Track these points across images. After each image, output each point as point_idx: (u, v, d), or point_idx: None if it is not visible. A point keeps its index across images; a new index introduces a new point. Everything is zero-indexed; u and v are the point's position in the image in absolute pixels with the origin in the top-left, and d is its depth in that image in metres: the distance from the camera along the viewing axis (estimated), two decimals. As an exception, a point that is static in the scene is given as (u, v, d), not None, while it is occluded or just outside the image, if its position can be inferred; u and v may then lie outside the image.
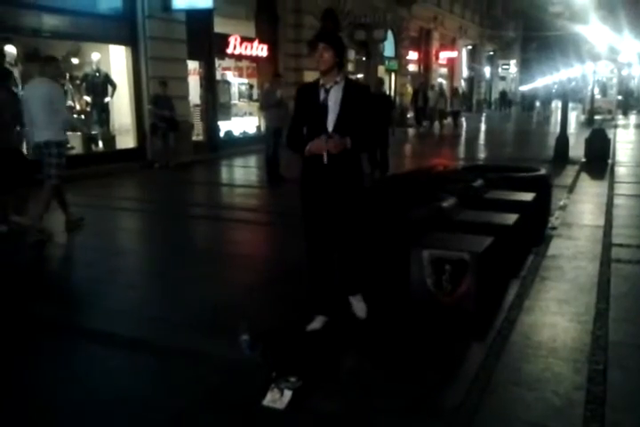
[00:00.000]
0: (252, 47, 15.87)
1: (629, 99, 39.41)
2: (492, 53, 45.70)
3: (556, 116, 27.31)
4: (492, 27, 42.32)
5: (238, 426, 2.92)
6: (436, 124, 23.79)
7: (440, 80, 33.11)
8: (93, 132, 12.13)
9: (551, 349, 3.62)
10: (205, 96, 14.72)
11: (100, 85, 12.04)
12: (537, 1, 30.98)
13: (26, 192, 6.91)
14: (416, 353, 3.65)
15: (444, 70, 34.98)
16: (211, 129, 14.92)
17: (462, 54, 37.75)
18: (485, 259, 3.97)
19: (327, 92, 3.72)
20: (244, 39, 15.49)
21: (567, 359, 3.50)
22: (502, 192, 5.79)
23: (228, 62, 16.00)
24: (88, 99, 12.15)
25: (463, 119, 29.06)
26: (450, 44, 34.58)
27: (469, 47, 39.68)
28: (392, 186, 6.03)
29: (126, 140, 12.78)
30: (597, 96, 30.91)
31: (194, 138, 14.26)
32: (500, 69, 49.21)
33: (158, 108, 11.96)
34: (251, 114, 16.72)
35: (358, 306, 4.11)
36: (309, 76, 17.48)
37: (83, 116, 12.10)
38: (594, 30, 25.69)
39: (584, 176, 11.01)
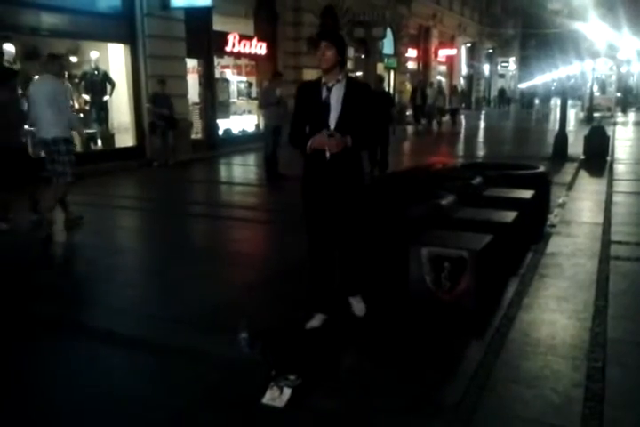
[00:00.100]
0: (251, 45, 15.86)
1: (628, 96, 39.35)
2: (491, 51, 45.67)
3: (555, 114, 27.29)
4: (492, 24, 42.30)
5: (238, 424, 2.92)
6: (435, 121, 23.78)
7: (439, 78, 33.09)
8: (92, 131, 12.11)
9: (550, 346, 3.63)
10: (204, 94, 14.72)
11: (98, 84, 12.03)
12: (536, -2, 30.99)
13: (34, 190, 6.98)
14: (415, 351, 3.65)
15: (443, 68, 34.96)
16: (210, 127, 14.91)
17: (461, 52, 37.71)
18: (484, 256, 3.97)
19: (329, 90, 3.73)
20: (243, 37, 15.47)
21: (566, 357, 3.50)
22: (501, 190, 5.80)
23: (226, 60, 15.99)
24: (87, 97, 12.14)
25: (462, 117, 29.06)
26: (449, 41, 34.55)
27: (468, 45, 39.64)
28: (391, 184, 6.03)
29: (125, 139, 12.77)
30: (596, 93, 30.84)
31: (193, 136, 14.25)
32: (499, 67, 49.16)
33: (157, 106, 11.95)
34: (250, 112, 16.72)
35: (358, 306, 4.12)
36: (308, 74, 17.47)
37: (82, 115, 12.09)
38: (593, 28, 25.68)
39: (583, 174, 11.01)
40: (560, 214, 7.29)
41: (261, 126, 13.44)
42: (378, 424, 2.90)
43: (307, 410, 2.97)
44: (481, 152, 16.61)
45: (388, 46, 25.10)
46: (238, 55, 15.92)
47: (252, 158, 14.07)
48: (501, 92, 44.04)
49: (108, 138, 12.55)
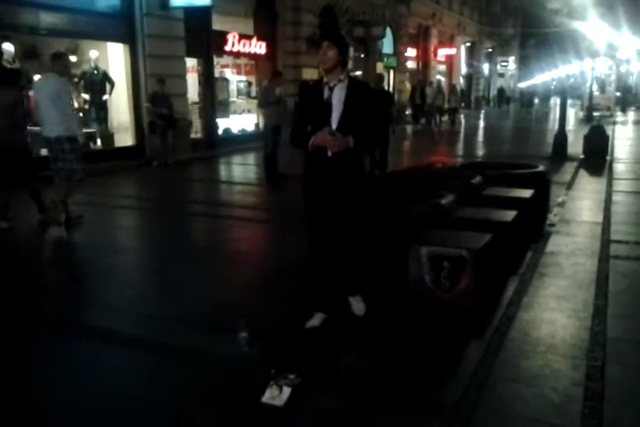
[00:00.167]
0: (250, 45, 15.86)
1: (628, 95, 39.36)
2: (490, 50, 45.66)
3: (555, 113, 27.29)
4: (491, 23, 42.29)
5: (237, 424, 2.92)
6: (434, 121, 23.77)
7: (439, 77, 33.09)
8: (92, 130, 12.11)
9: (550, 345, 3.63)
10: (204, 94, 14.71)
11: (98, 83, 12.02)
12: (535, -2, 30.99)
13: (36, 190, 7.04)
14: (415, 350, 3.65)
15: (442, 67, 34.96)
16: (209, 126, 14.90)
17: (461, 51, 37.71)
18: (484, 256, 3.97)
19: (331, 90, 3.74)
20: (242, 37, 15.47)
21: (565, 356, 3.50)
22: (501, 189, 5.80)
23: (226, 60, 15.99)
24: (86, 97, 12.13)
25: (462, 116, 29.06)
26: (448, 40, 34.55)
27: (468, 44, 39.63)
28: (391, 183, 6.02)
29: (125, 138, 12.77)
30: (596, 93, 30.84)
31: (192, 135, 14.24)
32: (498, 66, 49.16)
33: (156, 105, 11.94)
34: (249, 111, 16.72)
35: (357, 306, 4.12)
36: (308, 74, 17.50)
37: (81, 114, 12.08)
38: (592, 27, 25.68)
39: (582, 173, 11.01)
40: (560, 213, 7.29)
41: (261, 126, 13.44)
42: (377, 423, 2.90)
43: (306, 409, 2.97)
44: (480, 151, 16.61)
45: (387, 46, 25.11)
46: (238, 54, 15.91)
47: (251, 158, 14.07)
48: (500, 91, 44.02)
49: (108, 137, 12.55)
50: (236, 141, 15.51)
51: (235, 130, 16.15)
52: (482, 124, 28.66)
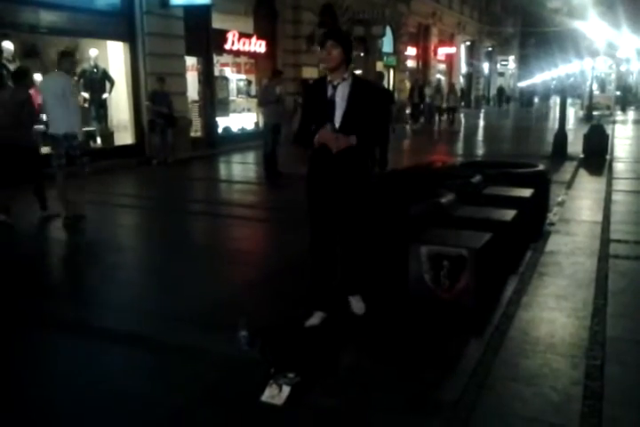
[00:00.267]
0: (250, 43, 15.84)
1: (628, 95, 39.35)
2: (490, 49, 45.64)
3: (555, 112, 27.29)
4: (491, 23, 42.26)
5: (237, 422, 2.92)
6: (433, 120, 23.80)
7: (438, 76, 33.08)
8: (91, 129, 12.11)
9: (549, 344, 3.63)
10: (203, 92, 14.70)
11: (97, 82, 12.01)
12: (535, -3, 30.97)
13: (40, 188, 7.13)
14: (414, 349, 3.65)
15: (442, 66, 34.94)
16: (209, 125, 14.89)
17: (461, 50, 37.69)
18: (483, 255, 3.97)
19: (335, 88, 3.75)
20: (242, 35, 15.46)
21: (565, 355, 3.50)
22: (500, 188, 5.79)
23: (226, 58, 15.97)
24: (86, 95, 12.12)
25: (461, 115, 29.06)
26: (448, 39, 34.53)
27: (468, 43, 39.62)
28: (391, 182, 6.02)
29: (124, 137, 12.76)
30: (596, 92, 30.86)
31: (192, 134, 14.24)
32: (498, 65, 49.14)
33: (156, 104, 11.93)
34: (249, 110, 16.72)
35: (357, 305, 4.12)
36: (308, 73, 17.49)
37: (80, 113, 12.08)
38: (592, 26, 25.66)
39: (582, 172, 11.01)
40: (559, 213, 7.30)
41: (261, 124, 13.43)
42: (377, 422, 2.90)
43: (306, 408, 2.97)
44: (480, 150, 16.62)
45: (387, 44, 25.09)
46: (237, 53, 15.90)
47: (251, 156, 14.06)
48: (500, 90, 43.97)
49: (108, 136, 12.54)
50: (236, 140, 15.50)
51: (234, 129, 16.14)
52: (481, 123, 28.65)
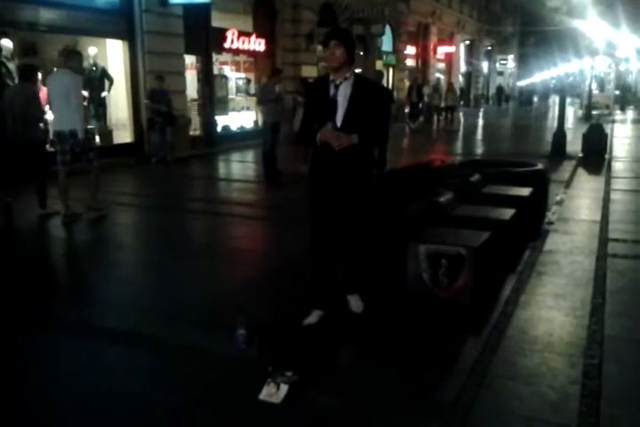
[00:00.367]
0: (249, 42, 15.83)
1: (627, 94, 39.38)
2: (489, 48, 45.62)
3: (554, 112, 27.30)
4: (490, 22, 42.23)
5: (237, 422, 2.92)
6: (432, 119, 23.78)
7: (438, 75, 33.06)
8: (90, 127, 12.08)
9: (547, 343, 3.64)
10: (203, 91, 14.69)
11: (96, 80, 12.00)
12: (535, -4, 30.97)
13: (42, 185, 7.23)
14: (412, 347, 3.66)
15: (441, 65, 34.92)
16: (208, 124, 14.88)
17: (460, 49, 37.67)
18: (482, 254, 3.97)
19: (337, 88, 3.77)
20: (241, 34, 15.44)
21: (563, 354, 3.51)
22: (499, 187, 5.80)
23: (225, 57, 15.95)
24: (85, 93, 12.09)
25: (461, 114, 29.05)
26: (448, 38, 34.51)
27: (467, 42, 39.60)
28: (390, 181, 6.02)
29: (123, 135, 12.75)
30: (595, 91, 30.88)
31: (191, 133, 14.22)
32: (497, 64, 49.13)
33: (155, 102, 11.92)
34: (248, 108, 16.70)
35: (355, 304, 4.12)
36: (307, 71, 17.47)
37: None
38: (592, 25, 25.66)
39: (581, 171, 11.02)
40: (558, 212, 7.30)
41: (260, 123, 13.42)
42: (375, 421, 2.90)
43: (304, 406, 2.98)
44: (479, 149, 16.62)
45: (386, 43, 25.06)
46: (237, 52, 15.89)
47: (250, 155, 14.05)
48: (499, 89, 43.94)
49: (106, 134, 12.52)
50: (235, 139, 15.49)
51: (233, 127, 16.12)
52: (481, 122, 28.66)
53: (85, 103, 12.10)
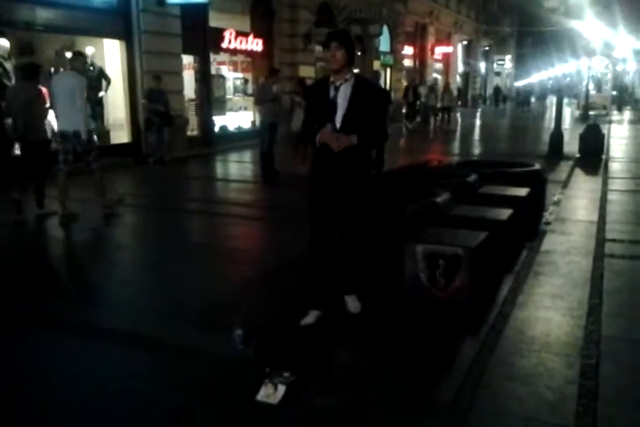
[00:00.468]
0: (247, 42, 15.82)
1: (624, 94, 39.45)
2: (487, 49, 45.67)
3: (551, 112, 27.31)
4: (488, 22, 42.29)
5: (235, 422, 2.92)
6: (428, 119, 23.79)
7: (435, 75, 33.08)
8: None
9: (544, 343, 3.64)
10: (200, 91, 14.67)
11: (94, 80, 11.94)
12: (532, -4, 31.01)
13: (41, 185, 7.27)
14: (410, 348, 3.66)
15: (439, 65, 34.96)
16: (205, 124, 14.87)
17: (458, 49, 37.73)
18: (479, 254, 3.98)
19: (337, 89, 3.80)
20: (239, 33, 15.43)
21: (560, 354, 3.51)
22: (496, 187, 5.80)
23: (222, 57, 15.94)
24: (83, 93, 12.08)
25: (458, 115, 29.06)
26: (445, 39, 34.55)
27: (465, 42, 39.65)
28: (387, 181, 6.02)
29: (120, 135, 12.72)
30: (592, 92, 30.91)
31: (188, 133, 14.20)
32: (495, 65, 49.19)
33: (152, 102, 11.90)
34: (246, 109, 16.69)
35: (353, 304, 4.13)
36: (304, 71, 17.47)
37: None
38: (589, 26, 25.70)
39: (578, 171, 11.04)
40: (555, 212, 7.31)
41: (257, 123, 13.42)
42: (372, 421, 2.90)
43: (301, 407, 2.97)
44: (476, 150, 16.63)
45: (384, 43, 25.05)
46: (234, 52, 15.87)
47: (247, 155, 14.04)
48: (496, 89, 43.98)
49: (104, 134, 12.45)
50: (233, 139, 15.48)
51: (231, 127, 16.11)
52: (478, 122, 28.68)
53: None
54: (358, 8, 20.85)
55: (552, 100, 38.98)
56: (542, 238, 5.99)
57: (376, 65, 23.90)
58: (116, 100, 12.59)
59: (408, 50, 29.05)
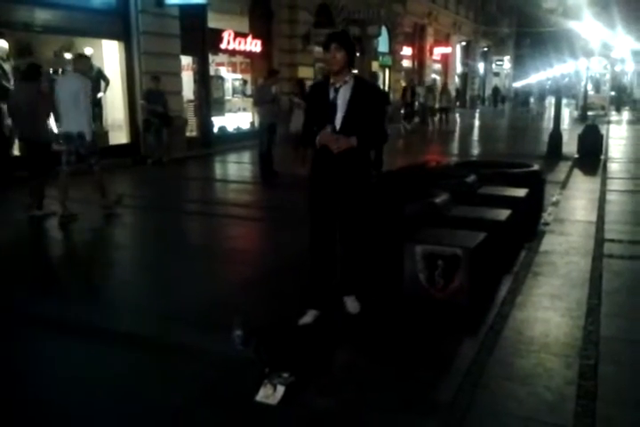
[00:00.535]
0: (245, 42, 15.82)
1: (622, 95, 39.50)
2: (485, 49, 45.70)
3: (550, 113, 27.35)
4: (487, 23, 42.32)
5: (235, 422, 2.92)
6: (426, 120, 23.79)
7: (434, 76, 33.10)
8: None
9: (543, 344, 3.64)
10: (199, 92, 14.68)
11: (92, 81, 11.88)
12: (531, -3, 31.04)
13: (41, 186, 7.27)
14: (409, 348, 3.66)
15: (438, 66, 34.98)
16: (204, 125, 14.87)
17: (456, 50, 37.74)
18: (478, 254, 3.98)
19: (337, 91, 3.81)
20: (237, 34, 15.43)
21: (559, 354, 3.51)
22: (495, 188, 5.81)
23: (221, 58, 15.95)
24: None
25: (457, 115, 29.08)
26: (444, 39, 34.57)
27: (463, 43, 39.67)
28: (386, 182, 6.03)
29: (119, 136, 12.73)
30: (591, 92, 31.00)
31: (187, 134, 14.20)
32: (493, 65, 49.23)
33: (151, 103, 11.90)
34: (244, 109, 16.70)
35: (352, 305, 4.13)
36: (303, 72, 17.47)
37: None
38: (587, 26, 25.72)
39: (577, 172, 11.05)
40: (554, 212, 7.32)
41: (256, 124, 13.42)
42: (371, 422, 2.90)
43: (300, 408, 2.97)
44: (475, 150, 16.64)
45: (382, 44, 25.07)
46: (233, 52, 15.88)
47: (246, 156, 14.05)
48: (495, 90, 44.00)
49: (102, 135, 12.46)
50: (232, 140, 15.48)
51: (230, 128, 16.12)
52: (477, 123, 28.70)
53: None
54: (357, 9, 20.86)
55: (551, 101, 39.04)
56: (541, 239, 5.99)
57: (375, 66, 23.92)
58: (114, 101, 12.59)
59: (407, 51, 29.07)
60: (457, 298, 3.95)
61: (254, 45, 16.20)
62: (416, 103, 23.30)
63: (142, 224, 7.60)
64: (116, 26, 12.10)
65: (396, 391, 3.12)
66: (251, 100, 15.12)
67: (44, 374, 3.41)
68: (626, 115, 32.50)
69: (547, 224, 6.65)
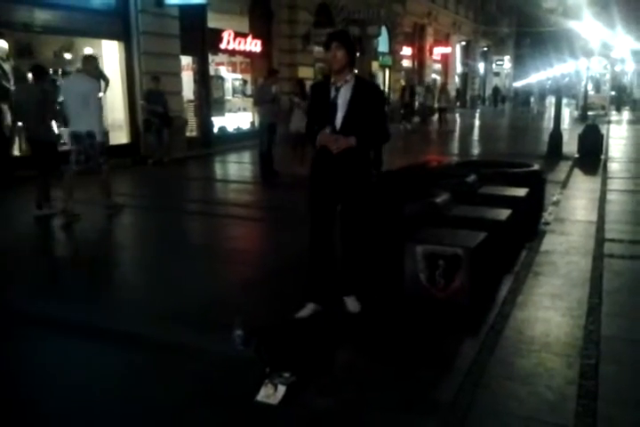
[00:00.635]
0: (245, 42, 15.83)
1: (622, 95, 39.48)
2: (485, 49, 45.70)
3: (550, 112, 27.34)
4: (486, 22, 42.33)
5: (235, 422, 2.92)
6: (425, 120, 23.82)
7: (434, 76, 33.09)
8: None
9: (544, 343, 3.64)
10: (199, 92, 14.68)
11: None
12: (531, -3, 31.04)
13: (46, 185, 7.33)
14: (410, 348, 3.66)
15: (437, 66, 34.97)
16: (204, 125, 14.87)
17: (456, 50, 37.74)
18: (478, 254, 3.97)
19: (337, 91, 3.82)
20: (237, 34, 15.44)
21: (560, 354, 3.51)
22: (496, 187, 5.80)
23: (221, 58, 15.96)
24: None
25: (457, 115, 29.08)
26: (444, 39, 34.57)
27: (463, 43, 39.67)
28: (386, 182, 6.02)
29: (119, 136, 12.72)
30: (591, 92, 31.00)
31: (187, 134, 14.21)
32: (493, 65, 49.24)
33: (151, 103, 11.91)
34: (244, 109, 16.70)
35: (352, 305, 4.13)
36: (303, 72, 17.48)
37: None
38: (587, 26, 25.72)
39: (577, 172, 11.05)
40: (554, 212, 7.31)
41: (256, 124, 13.42)
42: (372, 422, 2.90)
43: (301, 407, 2.97)
44: (476, 150, 16.64)
45: (382, 44, 25.07)
46: (233, 52, 15.89)
47: (246, 156, 14.05)
48: (495, 90, 44.02)
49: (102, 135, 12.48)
50: (232, 140, 15.49)
51: (230, 128, 16.12)
52: (477, 122, 28.70)
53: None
54: (357, 9, 20.86)
55: (551, 101, 39.05)
56: (541, 239, 5.99)
57: (375, 66, 23.92)
58: (114, 101, 12.58)
59: (407, 50, 29.06)
60: (458, 298, 3.94)
61: (254, 45, 16.20)
62: (416, 103, 23.30)
63: (143, 224, 7.59)
64: (116, 26, 12.10)
65: (396, 391, 3.12)
66: (251, 99, 15.13)
67: (44, 373, 3.41)
68: (626, 115, 32.50)
69: (547, 224, 6.65)
